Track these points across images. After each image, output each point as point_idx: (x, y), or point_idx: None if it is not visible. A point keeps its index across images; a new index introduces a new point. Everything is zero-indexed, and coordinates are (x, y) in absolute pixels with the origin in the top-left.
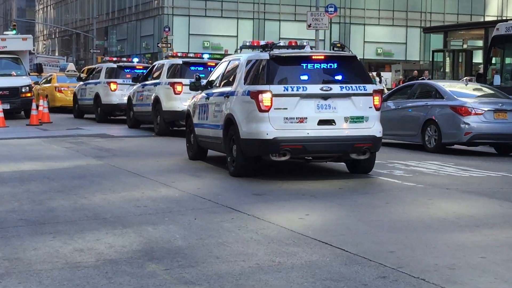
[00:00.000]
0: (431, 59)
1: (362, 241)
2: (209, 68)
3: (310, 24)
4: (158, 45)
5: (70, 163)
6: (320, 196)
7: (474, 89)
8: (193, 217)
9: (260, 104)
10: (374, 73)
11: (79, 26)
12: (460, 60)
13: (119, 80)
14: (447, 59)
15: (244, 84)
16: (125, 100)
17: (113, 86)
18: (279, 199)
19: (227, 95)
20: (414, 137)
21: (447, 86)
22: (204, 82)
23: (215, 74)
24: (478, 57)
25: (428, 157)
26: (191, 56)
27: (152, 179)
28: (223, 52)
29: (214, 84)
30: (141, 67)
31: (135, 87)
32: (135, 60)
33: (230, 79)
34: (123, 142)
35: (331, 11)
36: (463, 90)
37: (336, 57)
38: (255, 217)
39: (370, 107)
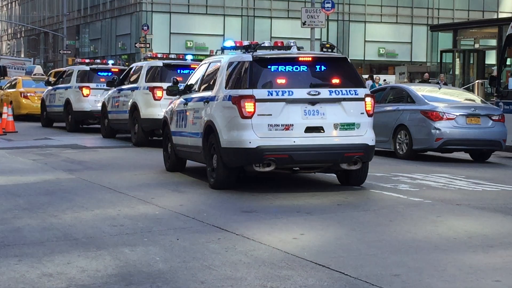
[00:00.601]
0: (439, 60)
1: (363, 263)
2: (192, 71)
3: (305, 21)
4: (136, 45)
5: (37, 177)
6: (316, 213)
7: (448, 93)
8: (175, 238)
9: (242, 110)
10: (366, 76)
11: (47, 24)
12: (471, 61)
13: (92, 85)
14: (457, 60)
15: (225, 88)
16: (99, 106)
17: (85, 91)
18: (271, 216)
19: (207, 100)
20: (386, 143)
21: (419, 90)
22: (182, 86)
23: (194, 78)
24: (491, 58)
25: (436, 169)
26: (173, 57)
27: (129, 195)
28: (208, 53)
29: (193, 89)
30: (117, 69)
31: (110, 92)
32: (110, 62)
33: (210, 83)
34: (96, 154)
35: (328, 7)
36: (435, 94)
37: (325, 58)
38: (244, 237)
39: (361, 113)
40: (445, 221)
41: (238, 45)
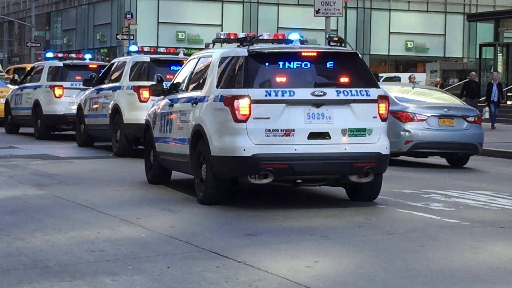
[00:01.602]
0: (478, 56)
1: None
2: None
3: (319, 9)
4: (118, 37)
5: (1, 193)
6: (333, 237)
7: (422, 93)
8: (166, 265)
9: (236, 112)
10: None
11: (12, 12)
12: None
13: (66, 84)
14: (499, 55)
15: (217, 87)
16: (73, 109)
17: (58, 92)
18: (280, 240)
19: (195, 101)
20: None
21: (389, 89)
22: (168, 85)
23: (181, 76)
24: None
25: (475, 185)
26: (162, 51)
27: (110, 214)
28: (203, 46)
29: (179, 88)
30: (95, 66)
31: (87, 92)
32: (87, 56)
33: (200, 82)
34: (71, 166)
35: None
36: (407, 95)
37: (332, 53)
38: (247, 264)
39: (374, 117)
40: (486, 246)
41: (232, 37)
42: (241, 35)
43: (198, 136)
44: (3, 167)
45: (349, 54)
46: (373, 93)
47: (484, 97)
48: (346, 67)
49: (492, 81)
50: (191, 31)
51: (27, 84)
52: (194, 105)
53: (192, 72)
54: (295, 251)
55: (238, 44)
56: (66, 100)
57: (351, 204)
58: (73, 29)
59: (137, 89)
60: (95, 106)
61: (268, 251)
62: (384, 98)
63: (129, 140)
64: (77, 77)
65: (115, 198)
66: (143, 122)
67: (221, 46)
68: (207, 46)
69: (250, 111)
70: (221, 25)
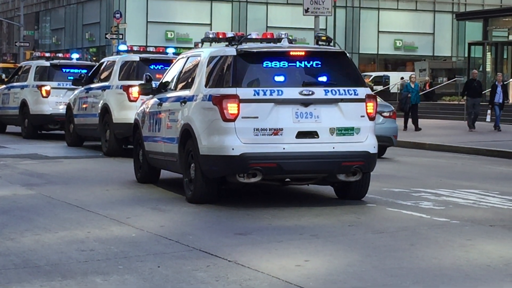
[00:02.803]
0: (466, 55)
1: None
2: None
3: (308, 8)
4: (107, 36)
5: None
6: (323, 235)
7: None
8: (156, 265)
9: (225, 111)
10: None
11: (0, 11)
12: (505, 56)
13: (53, 83)
14: (488, 54)
15: (205, 86)
16: (61, 109)
17: (45, 91)
18: (270, 239)
19: (184, 100)
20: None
21: None
22: (156, 84)
23: (170, 75)
24: None
25: (464, 183)
26: (151, 50)
27: (100, 213)
28: (192, 45)
29: (168, 87)
30: (84, 65)
31: (76, 92)
32: (75, 56)
33: (188, 81)
34: (60, 165)
35: None
36: None
37: (320, 53)
38: (238, 264)
39: (362, 116)
40: (476, 245)
41: (221, 36)
42: (229, 34)
43: (187, 135)
44: None
45: (337, 53)
46: (361, 92)
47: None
48: (334, 66)
49: (496, 82)
50: (180, 30)
51: (14, 84)
52: (183, 104)
53: (180, 72)
54: (285, 250)
55: (227, 43)
56: (53, 99)
57: (341, 203)
58: (61, 28)
59: (126, 88)
60: (84, 106)
61: (258, 250)
62: (372, 97)
63: (119, 140)
64: (64, 77)
65: (105, 197)
66: (133, 121)
67: (210, 45)
68: (196, 46)
69: (238, 110)
70: (210, 24)
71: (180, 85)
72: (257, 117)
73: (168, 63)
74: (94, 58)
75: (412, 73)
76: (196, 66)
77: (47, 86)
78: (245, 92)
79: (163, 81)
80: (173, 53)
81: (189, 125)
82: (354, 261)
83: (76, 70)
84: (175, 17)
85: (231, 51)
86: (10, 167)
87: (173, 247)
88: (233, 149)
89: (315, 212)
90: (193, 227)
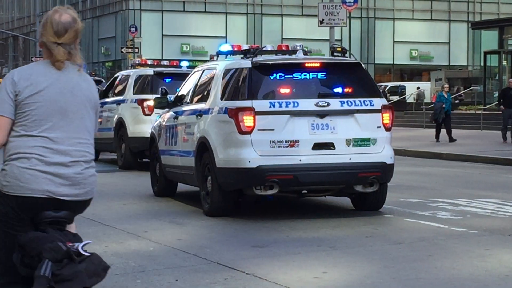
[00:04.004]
0: (482, 64)
1: None
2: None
3: (323, 19)
4: (122, 50)
5: None
6: (341, 247)
7: None
8: (174, 278)
9: (241, 124)
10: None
11: (17, 27)
12: None
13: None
14: (504, 63)
15: (221, 99)
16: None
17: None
18: (287, 252)
19: (200, 113)
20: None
21: None
22: (172, 97)
23: (186, 88)
24: None
25: (482, 193)
26: (165, 64)
27: (117, 228)
28: (207, 58)
29: (184, 100)
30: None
31: None
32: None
33: (204, 94)
34: None
35: (350, 2)
36: None
37: (336, 64)
38: (256, 276)
39: (378, 127)
40: (494, 255)
41: (236, 49)
42: (244, 46)
43: (203, 148)
44: None
45: (352, 64)
46: (377, 103)
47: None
48: (350, 77)
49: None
50: (195, 43)
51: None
52: (199, 117)
53: (196, 85)
54: (303, 262)
55: (242, 56)
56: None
57: (358, 214)
58: None
59: (140, 102)
60: (99, 120)
61: (276, 262)
62: (388, 107)
63: (134, 153)
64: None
65: (122, 211)
66: (148, 135)
67: (225, 58)
68: (211, 58)
69: (254, 122)
70: (225, 36)
71: (196, 98)
72: (273, 129)
73: (182, 76)
74: (93, 73)
75: (445, 83)
76: (211, 79)
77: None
78: (261, 104)
79: (179, 94)
80: (187, 67)
81: (206, 138)
82: (372, 272)
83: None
84: (190, 30)
85: (247, 63)
86: None
87: (191, 260)
88: (249, 161)
89: (333, 223)
90: (211, 240)
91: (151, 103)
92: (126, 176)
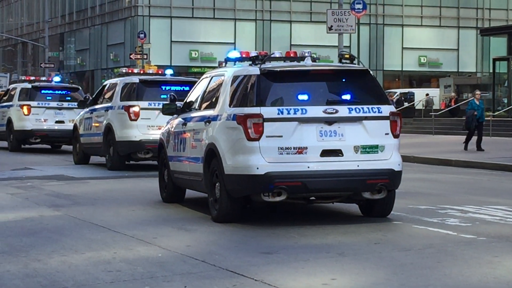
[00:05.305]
0: (491, 70)
1: None
2: (173, 88)
3: (331, 26)
4: (131, 56)
5: (17, 214)
6: (350, 254)
7: None
8: (183, 285)
9: (249, 131)
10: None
11: (26, 33)
12: None
13: (33, 103)
14: None
15: (229, 106)
16: (41, 126)
17: (26, 110)
18: (296, 258)
19: (208, 120)
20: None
21: None
22: (181, 104)
23: (194, 94)
24: None
25: (491, 200)
26: (150, 72)
27: (126, 234)
28: (216, 64)
29: (192, 107)
30: (67, 88)
31: (82, 112)
32: (56, 79)
33: (212, 100)
34: (86, 186)
35: (359, 8)
36: None
37: (343, 71)
38: (264, 283)
39: (386, 134)
40: (503, 262)
41: (244, 56)
42: (253, 53)
43: (212, 154)
44: (19, 188)
45: (361, 71)
46: (385, 110)
47: None
48: (358, 84)
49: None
50: (204, 50)
51: (3, 104)
52: (207, 124)
53: (205, 91)
54: (311, 268)
55: (250, 62)
56: (33, 117)
57: (366, 221)
58: (86, 49)
59: (127, 108)
60: (89, 126)
61: (285, 269)
62: (396, 114)
63: (121, 156)
64: (43, 97)
65: (131, 217)
66: (134, 139)
67: (234, 64)
68: (220, 65)
69: (262, 129)
70: (234, 43)
71: (204, 105)
72: (281, 136)
73: (166, 83)
74: (71, 81)
75: (476, 90)
76: (220, 85)
77: (28, 105)
78: (269, 111)
79: (187, 100)
80: (171, 75)
81: (214, 144)
82: (381, 279)
83: (58, 92)
84: (199, 36)
85: (255, 70)
86: (37, 188)
87: (200, 267)
88: (257, 168)
89: (341, 230)
90: (219, 247)
91: (136, 109)
92: (134, 182)
